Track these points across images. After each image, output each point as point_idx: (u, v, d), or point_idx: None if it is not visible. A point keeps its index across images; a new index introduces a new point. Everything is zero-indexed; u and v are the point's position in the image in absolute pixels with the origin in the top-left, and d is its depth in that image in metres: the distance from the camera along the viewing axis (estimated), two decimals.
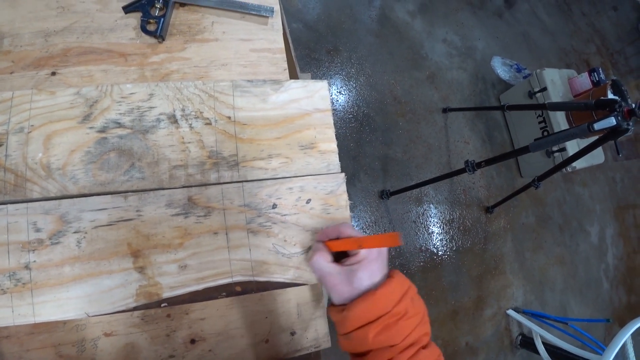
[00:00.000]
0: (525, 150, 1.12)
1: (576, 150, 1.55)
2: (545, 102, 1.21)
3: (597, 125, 0.96)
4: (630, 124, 0.94)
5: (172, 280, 0.44)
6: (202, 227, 0.45)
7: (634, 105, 0.93)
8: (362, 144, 1.46)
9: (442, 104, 1.76)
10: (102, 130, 0.46)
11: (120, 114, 0.47)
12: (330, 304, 0.41)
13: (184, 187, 0.46)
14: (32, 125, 0.46)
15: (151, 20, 0.62)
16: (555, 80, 1.61)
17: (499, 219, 1.76)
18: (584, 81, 1.54)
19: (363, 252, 0.39)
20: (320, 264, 0.40)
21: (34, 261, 0.42)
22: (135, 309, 0.43)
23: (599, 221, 2.02)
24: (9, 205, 0.43)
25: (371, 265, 0.39)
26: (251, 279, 0.46)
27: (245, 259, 0.46)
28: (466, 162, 1.25)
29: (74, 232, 0.43)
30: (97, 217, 0.44)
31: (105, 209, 0.44)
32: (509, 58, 1.94)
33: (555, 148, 1.58)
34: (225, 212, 0.46)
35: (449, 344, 1.58)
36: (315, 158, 0.52)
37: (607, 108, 0.98)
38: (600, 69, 1.50)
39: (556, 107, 1.18)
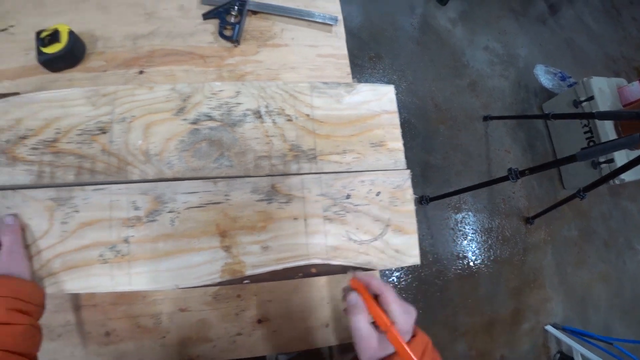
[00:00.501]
0: (572, 159, 1.10)
1: (625, 161, 1.50)
2: (594, 111, 1.17)
3: None
4: None
5: (254, 259, 0.47)
6: (283, 213, 0.49)
7: None
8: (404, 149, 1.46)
9: (483, 112, 1.75)
10: (195, 122, 0.51)
11: (211, 108, 0.52)
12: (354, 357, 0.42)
13: (267, 175, 0.50)
14: (133, 116, 0.51)
15: (227, 26, 0.68)
16: (603, 89, 1.56)
17: (540, 230, 1.71)
18: (635, 90, 1.48)
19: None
20: (361, 326, 0.40)
21: (132, 236, 0.46)
22: (219, 284, 0.47)
23: None
24: (112, 185, 0.48)
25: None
26: (325, 262, 0.49)
27: (321, 244, 0.49)
28: (509, 169, 1.24)
29: (169, 212, 0.47)
30: (189, 199, 0.48)
31: (197, 192, 0.48)
32: (553, 66, 1.89)
33: (602, 159, 1.53)
34: (304, 200, 0.50)
35: (484, 355, 1.55)
36: (384, 155, 0.55)
37: None
38: None
39: (606, 116, 1.15)
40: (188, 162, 0.49)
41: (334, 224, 0.50)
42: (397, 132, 0.57)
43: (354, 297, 0.41)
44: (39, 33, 0.60)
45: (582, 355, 1.47)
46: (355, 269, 0.49)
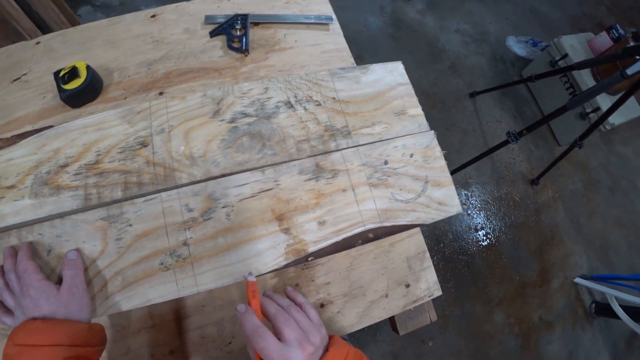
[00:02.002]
0: (563, 109, 1.16)
1: (609, 106, 1.58)
2: (573, 63, 1.25)
3: (630, 70, 1.00)
4: None
5: (314, 235, 0.50)
6: (332, 187, 0.52)
7: None
8: None
9: (468, 90, 1.82)
10: (232, 121, 0.54)
11: (244, 106, 0.55)
12: None
13: (309, 156, 0.53)
14: (171, 126, 0.54)
15: (235, 39, 0.72)
16: (574, 46, 1.65)
17: (546, 189, 1.76)
18: (604, 40, 1.58)
19: None
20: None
21: (191, 237, 0.48)
22: (286, 266, 0.49)
23: None
24: (162, 193, 0.49)
25: None
26: (380, 225, 0.51)
27: (372, 209, 0.52)
28: (507, 132, 1.29)
29: (223, 207, 0.50)
30: (241, 191, 0.50)
31: (247, 183, 0.51)
32: (523, 35, 2.00)
33: (589, 109, 1.60)
34: (348, 172, 0.53)
35: (523, 320, 1.56)
36: (408, 121, 0.59)
37: (634, 54, 1.02)
38: (617, 25, 1.54)
39: (584, 64, 1.23)
40: (233, 157, 0.52)
41: (379, 189, 0.53)
42: (415, 100, 0.61)
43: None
44: (57, 73, 0.63)
45: (616, 298, 1.49)
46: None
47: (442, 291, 1.46)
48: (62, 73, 0.62)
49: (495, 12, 2.07)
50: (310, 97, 0.57)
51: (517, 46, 1.94)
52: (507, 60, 1.96)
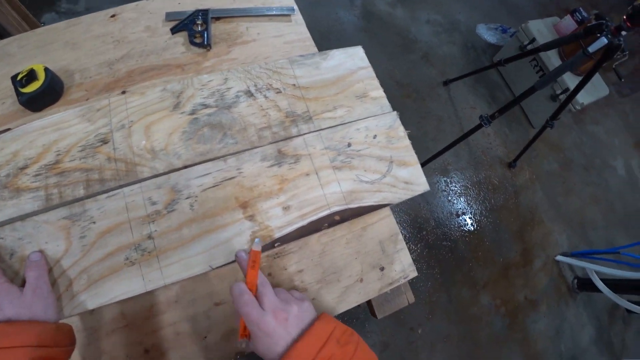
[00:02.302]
0: (532, 90, 1.19)
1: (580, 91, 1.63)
2: (539, 45, 1.28)
3: (592, 48, 1.03)
4: (621, 39, 1.01)
5: (279, 221, 0.50)
6: (295, 172, 0.52)
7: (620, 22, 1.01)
8: None
9: (442, 78, 1.85)
10: (192, 112, 0.54)
11: (204, 97, 0.55)
12: None
13: (271, 143, 0.53)
14: (131, 121, 0.53)
15: (197, 35, 0.71)
16: (541, 30, 1.70)
17: (523, 171, 1.80)
18: (568, 23, 1.63)
19: (253, 332, 0.41)
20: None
21: (155, 230, 0.47)
22: None
23: (621, 154, 2.05)
24: (124, 188, 0.49)
25: (268, 336, 0.40)
26: (345, 207, 0.52)
27: (337, 192, 0.52)
28: (480, 116, 1.32)
29: (186, 198, 0.49)
30: (204, 181, 0.50)
31: (209, 173, 0.51)
32: (492, 23, 2.04)
33: (559, 91, 1.65)
34: (311, 157, 0.53)
35: (509, 301, 1.59)
36: (369, 104, 0.59)
37: (596, 32, 1.06)
38: (581, 9, 1.60)
39: (548, 46, 1.26)
40: (195, 148, 0.52)
41: (343, 171, 0.53)
42: (376, 82, 0.62)
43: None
44: (14, 77, 0.61)
45: (596, 272, 1.54)
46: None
47: (428, 278, 1.50)
48: (19, 77, 0.61)
49: (464, 1, 2.11)
50: (271, 85, 0.57)
51: (487, 34, 1.98)
52: (479, 47, 2.00)
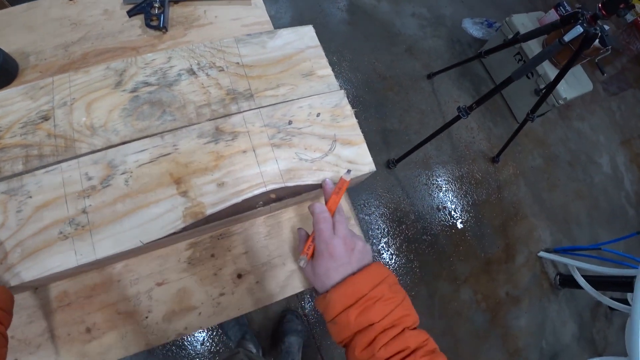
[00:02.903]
0: (508, 80, 1.18)
1: (564, 86, 1.62)
2: (518, 36, 1.28)
3: (567, 37, 1.02)
4: (597, 28, 1.01)
5: (213, 197, 0.49)
6: (232, 149, 0.52)
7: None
8: (359, 123, 1.52)
9: (426, 72, 1.84)
10: (133, 90, 0.54)
11: (147, 76, 0.55)
12: (316, 297, 0.45)
13: (209, 120, 0.53)
14: (73, 99, 0.53)
15: (153, 17, 0.71)
16: (525, 24, 1.69)
17: (507, 166, 1.79)
18: (552, 17, 1.62)
19: (320, 251, 0.44)
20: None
21: (90, 205, 0.47)
22: (184, 229, 0.48)
23: (607, 151, 2.04)
24: (62, 164, 0.49)
25: (334, 260, 0.43)
26: (282, 185, 0.51)
27: (274, 170, 0.52)
28: (458, 107, 1.32)
29: (122, 174, 0.49)
30: (140, 157, 0.50)
31: (146, 149, 0.50)
32: (478, 17, 2.04)
33: (542, 85, 1.64)
34: (249, 134, 0.53)
35: (489, 296, 1.59)
36: (316, 82, 0.59)
37: (572, 20, 1.05)
38: (565, 2, 1.59)
39: (527, 36, 1.25)
40: (133, 125, 0.52)
41: (282, 149, 0.53)
42: (324, 61, 0.61)
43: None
44: None
45: (578, 268, 1.53)
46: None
47: (407, 272, 1.49)
48: None
49: None
50: (214, 63, 0.56)
51: (473, 28, 1.97)
52: (464, 42, 1.99)
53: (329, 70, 0.60)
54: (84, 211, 0.47)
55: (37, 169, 0.49)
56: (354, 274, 0.42)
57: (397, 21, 1.91)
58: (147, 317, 0.55)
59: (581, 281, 1.52)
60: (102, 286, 0.55)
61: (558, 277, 1.69)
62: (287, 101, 0.56)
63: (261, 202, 0.51)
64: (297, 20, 1.67)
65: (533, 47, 1.65)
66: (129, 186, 0.49)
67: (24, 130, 0.51)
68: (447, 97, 1.82)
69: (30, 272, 0.45)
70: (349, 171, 0.48)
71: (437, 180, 1.68)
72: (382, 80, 1.74)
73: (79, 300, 0.54)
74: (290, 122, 0.54)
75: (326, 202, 0.47)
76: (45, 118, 0.52)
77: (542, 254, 1.70)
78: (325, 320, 0.43)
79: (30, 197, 0.47)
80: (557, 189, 1.84)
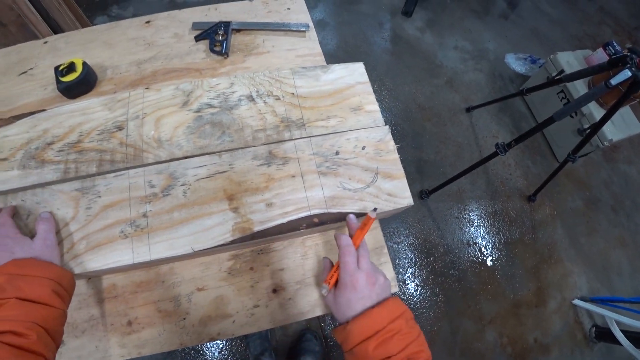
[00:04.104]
0: (550, 120, 1.16)
1: (609, 127, 1.56)
2: (562, 76, 1.26)
3: (614, 80, 1.00)
4: None
5: (261, 216, 0.53)
6: (282, 173, 0.55)
7: None
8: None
9: (465, 105, 1.84)
10: (198, 110, 0.59)
11: (210, 98, 0.60)
12: (335, 327, 0.47)
13: (264, 144, 0.57)
14: (145, 113, 0.60)
15: (217, 44, 0.78)
16: (570, 62, 1.66)
17: (544, 206, 1.73)
18: (600, 56, 1.58)
19: (343, 282, 0.46)
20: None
21: (150, 210, 0.53)
22: (232, 242, 0.52)
23: None
24: (130, 170, 0.55)
25: (356, 291, 0.45)
26: (325, 210, 0.54)
27: (319, 195, 0.55)
28: (496, 144, 1.30)
29: (181, 185, 0.54)
30: (198, 172, 0.55)
31: (205, 165, 0.55)
32: (522, 52, 2.02)
33: (586, 125, 1.59)
34: (299, 160, 0.56)
35: (516, 341, 1.51)
36: (363, 116, 0.62)
37: (621, 63, 1.03)
38: (614, 42, 1.55)
39: (572, 77, 1.23)
40: (195, 142, 0.57)
41: (328, 177, 0.56)
42: (372, 97, 0.65)
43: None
44: (57, 67, 0.70)
45: (617, 322, 1.43)
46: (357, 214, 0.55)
47: (430, 306, 1.48)
48: (61, 67, 0.70)
49: (494, 30, 2.10)
50: (271, 92, 0.61)
51: (515, 63, 1.96)
52: (506, 77, 1.98)
53: (376, 106, 0.63)
54: (144, 215, 0.53)
55: (108, 172, 0.56)
56: (373, 307, 0.43)
57: (439, 53, 1.93)
58: (184, 319, 0.59)
59: (620, 336, 1.42)
60: (148, 284, 0.60)
61: (594, 329, 1.58)
62: (337, 132, 0.59)
63: (304, 225, 0.54)
64: (342, 48, 1.75)
65: (578, 86, 1.62)
66: (187, 197, 0.54)
67: (100, 137, 0.58)
68: (485, 132, 1.80)
69: (92, 263, 0.51)
70: (375, 209, 0.50)
71: (469, 215, 1.65)
72: (420, 110, 1.75)
73: (125, 295, 0.59)
74: (337, 153, 0.57)
75: (351, 236, 0.49)
76: (120, 128, 0.59)
77: (576, 302, 1.60)
78: (344, 350, 0.45)
79: (100, 196, 0.54)
80: (597, 234, 1.75)
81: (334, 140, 0.58)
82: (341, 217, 0.55)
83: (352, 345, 0.42)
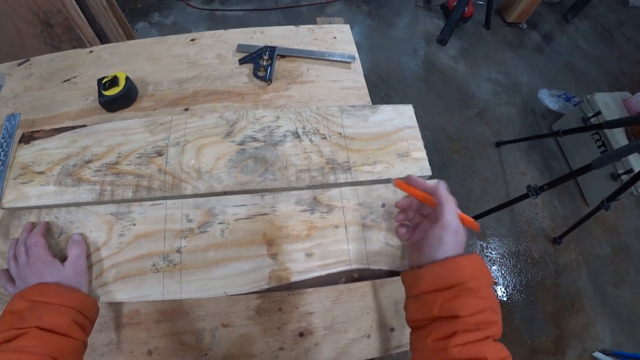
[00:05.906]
0: (588, 168, 1.11)
1: None
2: (602, 122, 1.21)
3: None
4: None
5: (300, 266, 0.51)
6: (325, 222, 0.53)
7: None
8: None
9: (495, 139, 1.80)
10: (241, 143, 0.57)
11: (255, 131, 0.58)
12: (406, 268, 0.44)
13: (308, 187, 0.54)
14: (186, 140, 0.58)
15: (261, 69, 0.77)
16: (608, 103, 1.61)
17: (569, 250, 1.66)
18: (639, 101, 1.53)
19: (446, 220, 0.42)
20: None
21: (185, 246, 0.51)
22: (267, 290, 0.50)
23: None
24: (167, 200, 0.53)
25: (451, 235, 0.41)
26: (366, 266, 0.51)
27: (361, 250, 0.52)
28: (528, 186, 1.26)
29: (219, 223, 0.52)
30: (238, 211, 0.53)
31: (245, 205, 0.53)
32: (556, 89, 1.97)
33: (621, 170, 1.53)
34: (344, 210, 0.54)
35: None
36: (410, 163, 0.59)
37: None
38: None
39: (614, 124, 1.18)
40: (236, 177, 0.55)
41: (372, 231, 0.53)
42: (420, 143, 0.62)
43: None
44: (100, 79, 0.70)
45: None
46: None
47: None
48: (104, 80, 0.69)
49: (529, 64, 2.06)
50: (318, 130, 0.59)
51: (549, 99, 1.91)
52: (538, 112, 1.93)
53: (423, 154, 0.61)
54: (178, 250, 0.51)
55: (145, 199, 0.54)
56: (455, 257, 0.39)
57: (472, 84, 1.90)
58: (206, 355, 0.56)
59: None
60: (172, 314, 0.57)
61: None
62: (382, 179, 0.56)
63: (343, 279, 0.51)
64: (375, 72, 1.73)
65: (615, 130, 1.56)
66: (224, 237, 0.51)
67: (139, 161, 0.56)
68: (513, 168, 1.75)
69: (120, 294, 0.49)
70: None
71: (491, 253, 1.59)
72: (449, 141, 1.72)
73: (147, 322, 0.56)
74: (382, 205, 0.55)
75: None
76: (160, 153, 0.57)
77: (598, 354, 1.52)
78: (407, 294, 0.42)
79: (134, 224, 0.52)
80: (625, 285, 1.67)
81: (381, 190, 0.56)
82: (380, 275, 0.52)
83: (420, 291, 0.39)
